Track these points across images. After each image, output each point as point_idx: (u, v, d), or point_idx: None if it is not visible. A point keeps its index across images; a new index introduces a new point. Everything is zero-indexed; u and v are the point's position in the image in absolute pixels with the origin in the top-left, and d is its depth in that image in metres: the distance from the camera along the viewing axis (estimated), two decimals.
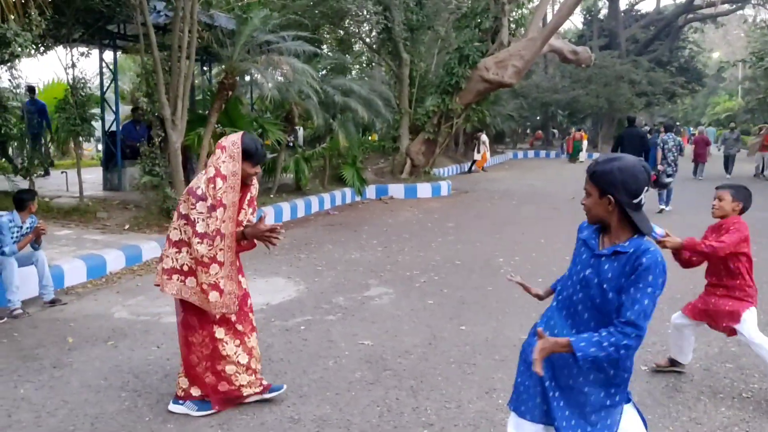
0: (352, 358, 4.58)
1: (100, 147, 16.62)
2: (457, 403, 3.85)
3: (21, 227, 5.92)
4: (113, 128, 12.08)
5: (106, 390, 4.02)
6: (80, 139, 10.21)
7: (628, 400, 2.41)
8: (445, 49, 18.53)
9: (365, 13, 15.91)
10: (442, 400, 3.88)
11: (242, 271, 3.79)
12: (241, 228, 3.59)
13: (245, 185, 3.61)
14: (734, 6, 37.66)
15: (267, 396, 3.81)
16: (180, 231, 3.56)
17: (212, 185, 3.43)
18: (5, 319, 5.52)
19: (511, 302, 6.02)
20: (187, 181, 8.55)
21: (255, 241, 3.64)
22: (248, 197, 3.71)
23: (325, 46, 17.51)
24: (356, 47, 19.93)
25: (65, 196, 10.46)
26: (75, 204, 9.59)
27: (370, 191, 14.62)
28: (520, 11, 18.60)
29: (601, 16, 40.48)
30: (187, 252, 3.53)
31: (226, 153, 3.49)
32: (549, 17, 20.53)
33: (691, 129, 30.64)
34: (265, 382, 3.85)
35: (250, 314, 3.87)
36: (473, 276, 7.07)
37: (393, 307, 5.87)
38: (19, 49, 5.90)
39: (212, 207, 3.42)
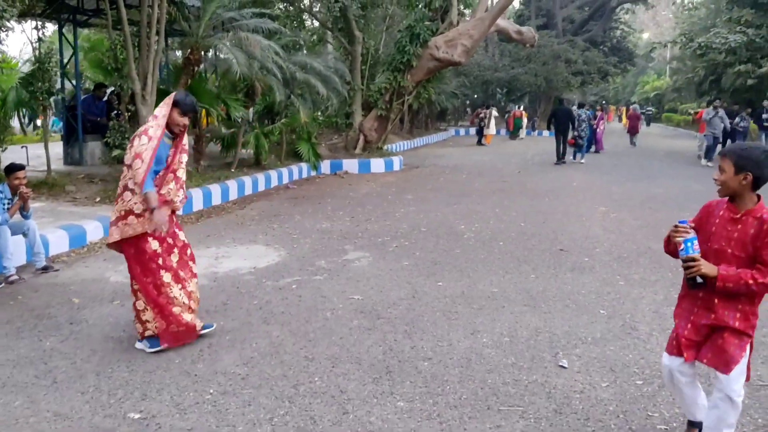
0: (347, 310, 5.09)
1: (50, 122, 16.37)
2: (448, 342, 4.42)
3: (11, 199, 6.12)
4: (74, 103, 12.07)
5: (129, 339, 4.40)
6: (48, 113, 10.21)
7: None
8: (393, 27, 18.99)
9: None
10: (434, 341, 4.44)
11: (179, 226, 4.48)
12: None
13: (176, 135, 4.27)
14: None
15: (203, 332, 4.44)
16: (122, 180, 4.22)
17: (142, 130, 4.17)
18: (2, 284, 5.76)
19: (479, 262, 6.64)
20: None
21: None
22: (180, 147, 4.32)
23: (276, 23, 17.64)
24: (307, 24, 20.09)
25: (29, 170, 10.44)
26: (42, 178, 9.66)
27: (325, 166, 15.02)
28: None
29: None
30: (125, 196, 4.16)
31: (161, 106, 4.23)
32: None
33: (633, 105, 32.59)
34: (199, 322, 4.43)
35: (191, 262, 4.48)
36: (440, 241, 7.65)
37: (373, 268, 6.39)
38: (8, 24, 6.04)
39: (137, 136, 4.11)
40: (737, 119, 18.19)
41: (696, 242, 2.78)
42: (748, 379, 2.84)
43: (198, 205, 9.66)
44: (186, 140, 4.40)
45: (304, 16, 19.09)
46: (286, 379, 3.82)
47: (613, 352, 4.24)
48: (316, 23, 20.24)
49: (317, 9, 18.69)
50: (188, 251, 4.47)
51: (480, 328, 4.70)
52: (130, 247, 4.21)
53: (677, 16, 44.21)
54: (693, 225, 2.85)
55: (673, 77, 44.89)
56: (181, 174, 4.31)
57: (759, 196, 2.77)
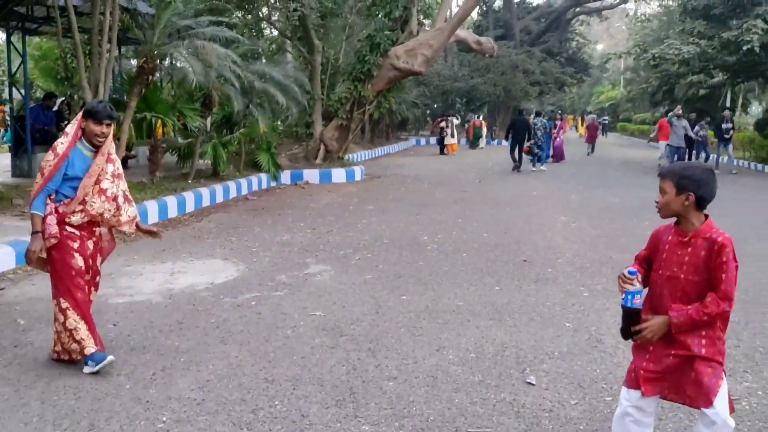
0: (308, 327, 4.92)
1: None
2: (413, 359, 4.29)
3: None
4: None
5: (77, 364, 4.15)
6: None
7: None
8: (353, 37, 18.92)
9: None
10: (399, 358, 4.31)
11: (103, 251, 4.32)
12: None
13: (98, 147, 4.02)
14: (618, 0, 40.29)
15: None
16: None
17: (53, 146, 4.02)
18: None
19: (442, 274, 6.54)
20: None
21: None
22: (114, 169, 4.11)
23: (234, 31, 17.40)
24: (266, 33, 19.88)
25: None
26: None
27: (286, 177, 14.81)
28: (428, 1, 19.24)
29: (496, 7, 42.15)
30: None
31: (71, 122, 4.14)
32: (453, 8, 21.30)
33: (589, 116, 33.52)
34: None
35: (94, 290, 4.32)
36: (404, 253, 7.54)
37: (335, 282, 6.23)
38: None
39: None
40: (697, 128, 18.57)
41: (639, 296, 2.65)
42: (732, 410, 2.66)
43: (153, 218, 9.35)
44: (113, 149, 4.17)
45: (262, 25, 18.89)
46: (245, 403, 3.64)
47: (581, 367, 4.18)
48: (275, 32, 20.03)
49: (276, 18, 18.48)
50: (97, 278, 4.31)
51: (445, 344, 4.59)
52: (55, 263, 4.00)
53: (630, 27, 45.25)
54: (640, 277, 2.67)
55: (627, 87, 45.92)
56: (108, 186, 4.06)
57: (706, 216, 2.65)
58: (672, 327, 2.58)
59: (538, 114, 20.72)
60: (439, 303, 5.57)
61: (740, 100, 28.12)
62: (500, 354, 4.40)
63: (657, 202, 2.71)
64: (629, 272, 2.64)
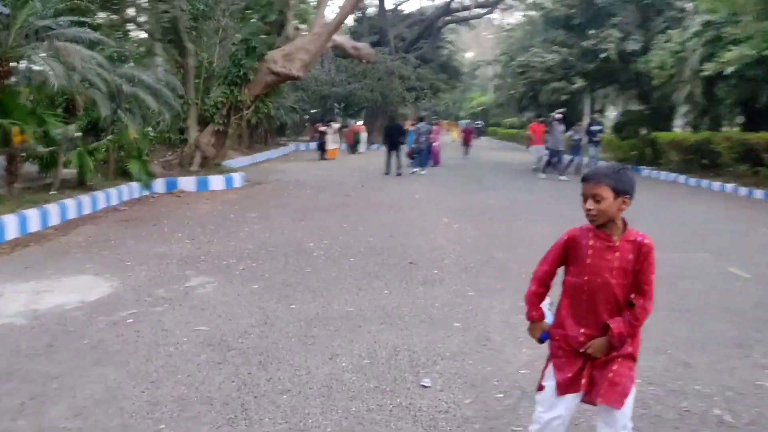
0: (193, 343, 4.66)
1: None
2: (306, 370, 4.18)
3: None
4: None
5: None
6: None
7: None
8: (227, 40, 18.40)
9: None
10: (291, 370, 4.18)
11: None
12: None
13: None
14: (485, 10, 42.11)
15: None
16: None
17: None
18: None
19: (331, 280, 6.46)
20: None
21: None
22: None
23: (99, 33, 16.41)
24: (133, 35, 18.90)
25: None
26: None
27: (159, 185, 14.11)
28: (303, 6, 19.10)
29: (371, 13, 42.70)
30: None
31: None
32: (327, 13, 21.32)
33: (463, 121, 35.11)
34: None
35: None
36: (290, 260, 7.38)
37: (219, 294, 5.97)
38: None
39: None
40: (570, 132, 19.59)
41: (549, 324, 2.75)
42: None
43: (12, 232, 8.56)
44: None
45: (129, 26, 17.92)
46: (127, 429, 3.37)
47: (472, 366, 4.24)
48: (144, 34, 19.08)
49: (144, 19, 17.60)
50: None
51: (338, 351, 4.50)
52: None
53: (497, 36, 47.43)
54: (548, 304, 2.75)
55: (496, 93, 48.02)
56: None
57: (624, 219, 2.63)
58: (615, 347, 2.59)
59: (421, 119, 21.47)
60: (329, 310, 5.48)
61: (595, 105, 30.24)
62: (393, 358, 4.38)
63: (591, 210, 2.57)
64: (543, 337, 2.75)
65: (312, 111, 38.04)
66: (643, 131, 21.99)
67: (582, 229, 2.67)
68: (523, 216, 10.62)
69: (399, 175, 18.15)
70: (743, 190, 14.26)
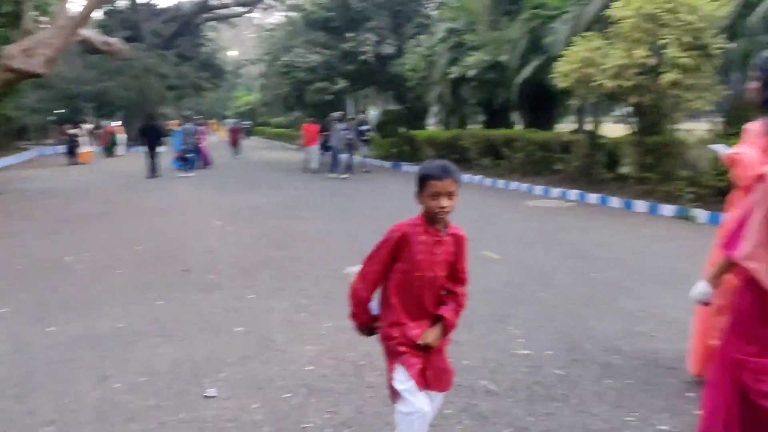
0: None
1: None
2: (74, 396, 3.79)
3: None
4: None
5: None
6: None
7: None
8: None
9: None
10: (55, 398, 3.76)
11: None
12: None
13: None
14: (245, 9, 41.69)
15: None
16: None
17: None
18: None
19: (96, 296, 5.95)
20: None
21: None
22: None
23: None
24: None
25: None
26: None
27: None
28: None
29: (121, 7, 39.87)
30: None
31: None
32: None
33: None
34: None
35: None
36: (44, 278, 6.63)
37: None
38: None
39: None
40: (344, 131, 19.96)
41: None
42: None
43: None
44: None
45: None
46: None
47: (257, 370, 4.19)
48: None
49: None
50: None
51: (109, 372, 4.15)
52: None
53: (259, 36, 47.23)
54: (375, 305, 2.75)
55: (262, 92, 47.86)
56: None
57: None
58: (447, 332, 2.69)
59: (188, 120, 21.35)
60: (95, 328, 5.03)
61: (358, 105, 31.65)
62: (173, 372, 4.16)
63: (445, 207, 2.55)
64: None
65: (57, 111, 34.51)
66: (402, 130, 23.44)
67: (409, 224, 2.63)
68: (296, 213, 10.72)
69: (158, 176, 17.62)
70: (488, 181, 15.90)
